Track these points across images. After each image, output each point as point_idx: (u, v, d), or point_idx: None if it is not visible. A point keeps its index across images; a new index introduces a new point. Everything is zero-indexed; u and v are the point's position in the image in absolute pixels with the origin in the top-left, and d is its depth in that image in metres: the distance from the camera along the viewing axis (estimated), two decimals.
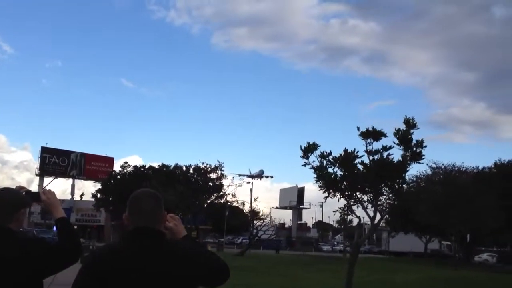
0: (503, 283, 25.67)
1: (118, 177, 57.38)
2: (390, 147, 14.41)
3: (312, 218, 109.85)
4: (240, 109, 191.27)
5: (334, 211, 17.87)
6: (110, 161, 79.78)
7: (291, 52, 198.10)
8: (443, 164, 50.94)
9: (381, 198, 15.28)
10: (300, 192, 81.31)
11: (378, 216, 15.74)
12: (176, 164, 33.42)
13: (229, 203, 40.17)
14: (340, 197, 15.19)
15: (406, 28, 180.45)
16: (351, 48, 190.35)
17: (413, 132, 13.67)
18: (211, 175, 30.48)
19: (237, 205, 49.83)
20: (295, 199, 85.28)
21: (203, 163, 29.67)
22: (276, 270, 30.99)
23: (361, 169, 14.37)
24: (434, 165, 50.11)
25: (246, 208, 62.57)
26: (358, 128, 14.72)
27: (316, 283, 24.18)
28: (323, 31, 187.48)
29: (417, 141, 13.72)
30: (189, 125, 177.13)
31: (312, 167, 14.67)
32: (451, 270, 35.82)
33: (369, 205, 15.41)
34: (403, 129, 13.70)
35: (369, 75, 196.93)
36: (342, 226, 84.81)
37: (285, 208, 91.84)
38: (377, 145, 14.64)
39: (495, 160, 48.80)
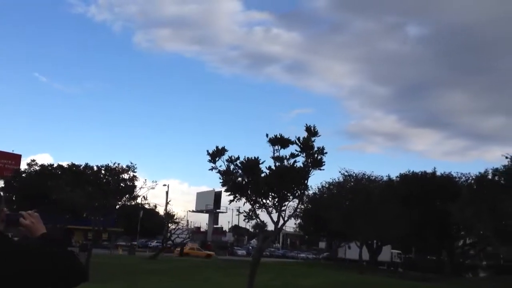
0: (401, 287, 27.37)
1: (24, 175, 54.77)
2: (297, 155, 15.11)
3: (228, 222, 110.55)
4: (160, 111, 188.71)
5: (237, 214, 18.29)
6: (17, 158, 75.79)
7: (215, 56, 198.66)
8: (354, 173, 53.39)
9: (285, 203, 15.91)
10: (217, 196, 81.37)
11: (281, 221, 16.36)
12: (87, 164, 32.47)
13: (140, 205, 39.55)
14: (245, 202, 15.70)
15: (327, 40, 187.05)
16: (274, 56, 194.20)
17: (314, 139, 14.40)
18: (123, 175, 29.92)
19: (150, 207, 49.17)
20: (211, 203, 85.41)
21: (114, 163, 29.03)
22: (186, 274, 31.04)
23: (266, 174, 14.94)
24: (346, 173, 52.39)
25: (162, 211, 61.93)
26: (267, 135, 15.31)
27: (223, 286, 24.56)
28: (247, 38, 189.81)
29: (318, 148, 14.46)
30: (104, 125, 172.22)
31: (219, 172, 15.05)
32: (357, 274, 37.56)
33: (274, 210, 16.00)
34: (304, 137, 14.41)
35: (290, 83, 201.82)
36: (258, 231, 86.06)
37: (201, 211, 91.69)
38: (285, 152, 15.32)
39: (402, 170, 51.93)
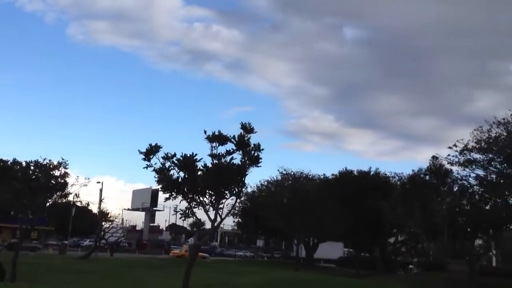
0: (333, 283, 27.95)
1: None
2: (233, 152, 15.04)
3: (166, 220, 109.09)
4: (96, 106, 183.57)
5: (174, 214, 18.06)
6: None
7: (154, 51, 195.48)
8: (292, 171, 54.16)
9: (222, 201, 15.81)
10: (154, 194, 79.93)
11: (218, 219, 16.24)
12: (15, 159, 30.83)
13: (72, 203, 38.16)
14: (182, 200, 15.47)
15: (267, 39, 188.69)
16: (214, 53, 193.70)
17: (250, 136, 14.40)
18: (54, 172, 28.65)
19: (82, 205, 47.68)
20: (148, 201, 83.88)
21: (44, 159, 27.75)
22: (118, 273, 30.31)
23: (203, 172, 14.78)
24: (284, 172, 53.06)
25: (95, 209, 60.18)
26: (205, 132, 15.13)
27: (156, 286, 24.17)
28: (187, 34, 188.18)
29: (254, 145, 14.47)
30: (36, 118, 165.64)
31: (154, 169, 14.75)
32: (293, 272, 38.09)
33: (211, 208, 15.87)
34: (240, 134, 14.38)
35: (230, 81, 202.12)
36: (195, 229, 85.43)
37: (137, 210, 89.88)
38: (224, 150, 15.19)
39: (339, 169, 53.15)
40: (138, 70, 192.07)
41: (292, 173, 53.18)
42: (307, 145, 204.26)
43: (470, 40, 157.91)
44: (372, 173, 47.33)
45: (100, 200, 60.53)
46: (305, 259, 60.35)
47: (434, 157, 32.69)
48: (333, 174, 50.14)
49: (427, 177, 34.36)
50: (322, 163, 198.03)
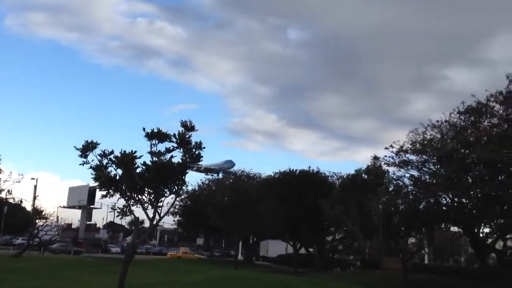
0: (269, 281, 28.15)
1: None
2: (173, 149, 14.83)
3: (103, 218, 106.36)
4: (32, 99, 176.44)
5: (110, 211, 17.58)
6: None
7: (94, 45, 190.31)
8: (233, 169, 54.24)
9: (161, 199, 15.57)
10: (91, 191, 77.61)
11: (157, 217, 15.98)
12: None
13: (4, 200, 36.49)
14: (120, 197, 15.10)
15: (211, 37, 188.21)
16: (157, 50, 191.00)
17: (191, 134, 14.27)
18: None
19: (15, 202, 45.71)
20: (85, 199, 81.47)
21: None
22: (52, 272, 29.21)
23: (142, 169, 14.49)
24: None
25: (29, 206, 57.71)
26: (144, 129, 14.84)
27: (92, 286, 23.51)
28: (129, 29, 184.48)
29: (195, 143, 14.34)
30: None
31: (91, 166, 14.32)
32: (232, 270, 38.10)
33: (150, 206, 15.59)
34: (180, 132, 14.21)
35: (174, 78, 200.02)
36: (133, 227, 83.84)
37: (73, 207, 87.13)
38: (164, 147, 14.94)
39: (281, 168, 53.82)
40: (78, 64, 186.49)
41: (234, 172, 53.25)
42: (250, 143, 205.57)
43: (407, 45, 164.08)
44: (312, 172, 48.09)
45: (34, 197, 58.11)
46: (245, 257, 60.68)
47: (375, 157, 33.65)
48: (275, 173, 50.57)
49: (365, 177, 35.35)
50: (265, 162, 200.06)
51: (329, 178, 47.44)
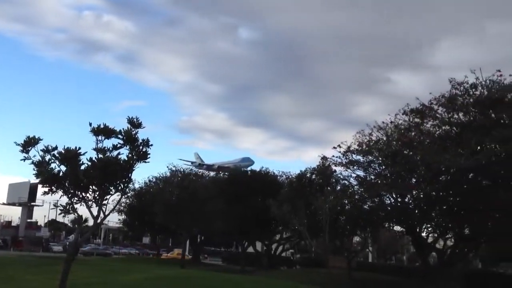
0: (215, 279, 28.16)
1: None
2: (120, 146, 14.55)
3: (45, 216, 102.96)
4: None
5: (52, 208, 17.04)
6: None
7: (38, 37, 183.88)
8: (182, 168, 53.79)
9: (106, 197, 15.25)
10: (33, 188, 74.84)
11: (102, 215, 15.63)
12: None
13: None
14: (63, 195, 14.67)
15: (161, 33, 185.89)
16: (104, 44, 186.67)
17: (137, 131, 14.05)
18: None
19: None
20: (26, 195, 78.55)
21: None
22: None
23: (87, 166, 14.13)
24: (173, 168, 52.49)
25: None
26: (90, 124, 14.49)
27: (33, 285, 22.75)
28: (75, 22, 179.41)
29: (143, 140, 14.14)
30: None
31: (33, 162, 13.84)
32: (179, 269, 37.84)
33: (94, 204, 15.24)
34: (127, 128, 13.97)
35: (121, 73, 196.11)
36: (76, 226, 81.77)
37: (13, 204, 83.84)
38: (110, 144, 14.61)
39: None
40: (21, 57, 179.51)
41: (182, 170, 52.84)
42: (199, 142, 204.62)
43: (355, 48, 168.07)
44: (261, 171, 48.32)
45: None
46: (193, 256, 60.39)
47: (324, 157, 34.18)
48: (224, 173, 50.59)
49: (314, 177, 35.88)
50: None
51: (278, 177, 47.84)
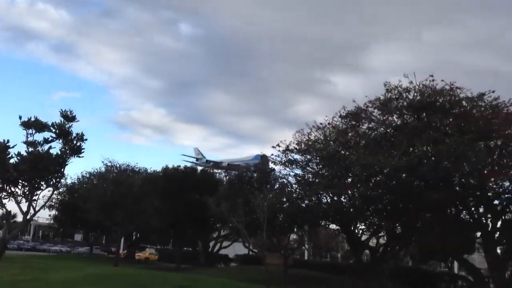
0: (146, 277, 27.95)
1: None
2: (52, 140, 14.22)
3: None
4: None
5: None
6: None
7: None
8: (118, 163, 52.81)
9: (37, 192, 14.88)
10: None
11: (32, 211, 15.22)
12: None
13: None
14: None
15: (98, 24, 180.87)
16: (38, 33, 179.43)
17: (71, 125, 13.78)
18: None
19: None
20: None
21: None
22: None
23: (16, 160, 13.72)
24: (109, 164, 51.47)
25: None
26: (20, 117, 14.08)
27: None
28: (8, 9, 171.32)
29: (77, 134, 13.89)
30: None
31: None
32: (112, 267, 37.15)
33: (24, 199, 14.83)
34: (60, 122, 13.69)
35: (56, 64, 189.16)
36: (4, 222, 78.13)
37: None
38: (40, 137, 14.25)
39: (169, 163, 53.11)
40: None
41: (118, 166, 51.91)
42: (137, 137, 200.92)
43: (297, 49, 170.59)
44: (199, 168, 48.22)
45: None
46: (127, 254, 59.40)
47: (264, 156, 34.61)
48: (163, 168, 49.83)
49: (253, 175, 36.27)
50: (152, 157, 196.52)
51: (217, 174, 47.90)
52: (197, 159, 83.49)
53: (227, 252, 58.90)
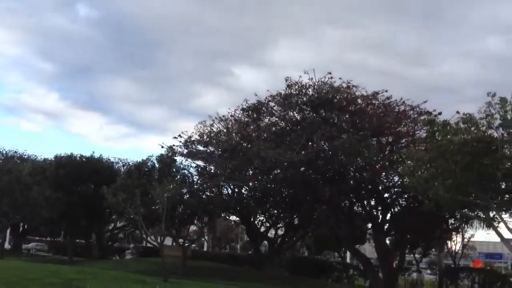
0: (37, 270, 27.15)
1: None
2: None
3: None
4: None
5: None
6: None
7: None
8: (4, 150, 50.12)
9: None
10: None
11: None
12: None
13: None
14: None
15: None
16: None
17: None
18: None
19: None
20: None
21: None
22: None
23: None
24: None
25: None
26: None
27: None
28: None
29: None
30: None
31: None
32: None
33: None
34: None
35: None
36: None
37: None
38: None
39: (62, 151, 51.19)
40: None
41: (4, 152, 49.26)
42: (26, 123, 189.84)
43: (201, 39, 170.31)
44: (95, 157, 46.81)
45: None
46: (13, 246, 56.83)
47: (170, 147, 34.64)
48: (56, 156, 47.83)
49: (153, 165, 36.11)
50: (43, 144, 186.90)
51: (114, 164, 46.90)
52: None
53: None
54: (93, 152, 47.21)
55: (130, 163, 41.27)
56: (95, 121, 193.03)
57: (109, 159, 47.25)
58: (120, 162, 46.56)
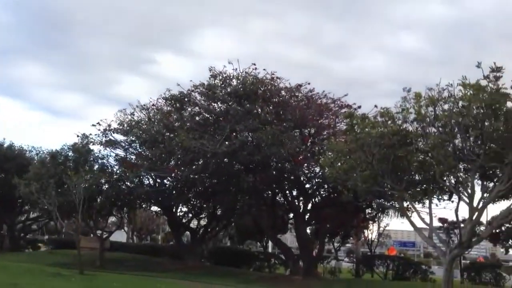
0: None
1: None
2: None
3: None
4: None
5: None
6: None
7: None
8: None
9: None
10: None
11: None
12: None
13: None
14: None
15: None
16: None
17: None
18: None
19: None
20: None
21: None
22: None
23: None
24: None
25: None
26: None
27: None
28: None
29: None
30: None
31: None
32: None
33: None
34: None
35: None
36: None
37: None
38: None
39: None
40: None
41: None
42: None
43: (123, 24, 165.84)
44: (6, 145, 44.59)
45: None
46: None
47: (84, 135, 33.62)
48: None
49: (70, 154, 34.89)
50: None
51: (28, 152, 44.90)
52: None
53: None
54: (4, 139, 44.91)
55: (45, 152, 39.75)
56: (8, 107, 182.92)
57: (21, 147, 45.22)
58: (34, 151, 44.67)
